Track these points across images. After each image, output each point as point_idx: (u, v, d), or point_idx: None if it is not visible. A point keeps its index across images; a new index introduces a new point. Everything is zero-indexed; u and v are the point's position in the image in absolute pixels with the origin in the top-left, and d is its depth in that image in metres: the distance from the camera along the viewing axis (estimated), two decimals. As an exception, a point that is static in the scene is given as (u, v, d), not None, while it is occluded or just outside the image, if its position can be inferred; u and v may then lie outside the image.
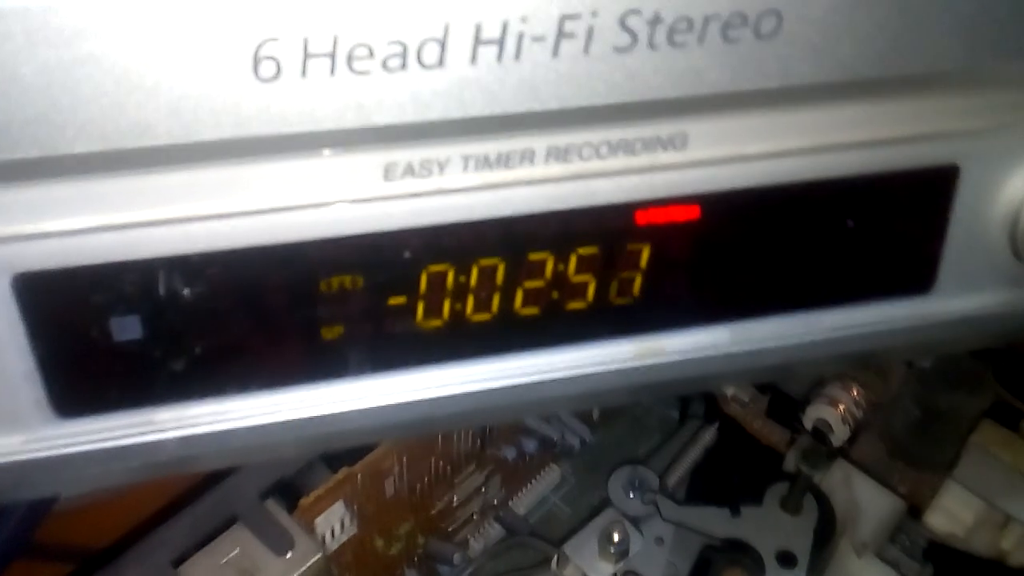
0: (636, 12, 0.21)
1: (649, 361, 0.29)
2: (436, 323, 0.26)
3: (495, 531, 0.51)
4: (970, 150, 0.28)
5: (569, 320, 0.28)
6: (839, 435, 0.48)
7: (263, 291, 0.24)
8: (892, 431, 0.51)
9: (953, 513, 0.48)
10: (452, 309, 0.26)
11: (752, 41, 0.22)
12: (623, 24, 0.21)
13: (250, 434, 0.25)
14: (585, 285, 0.27)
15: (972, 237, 0.29)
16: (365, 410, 0.26)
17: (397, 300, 0.26)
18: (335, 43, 0.20)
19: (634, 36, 0.22)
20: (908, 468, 0.51)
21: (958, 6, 0.24)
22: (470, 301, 0.26)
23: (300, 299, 0.25)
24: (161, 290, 0.23)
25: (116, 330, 0.23)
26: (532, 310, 0.27)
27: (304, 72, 0.20)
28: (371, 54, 0.20)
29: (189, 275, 0.23)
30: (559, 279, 0.27)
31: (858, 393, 0.48)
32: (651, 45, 0.22)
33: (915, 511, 0.49)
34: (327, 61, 0.20)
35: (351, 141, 0.22)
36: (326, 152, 0.22)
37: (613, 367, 0.28)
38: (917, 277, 0.30)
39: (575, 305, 0.27)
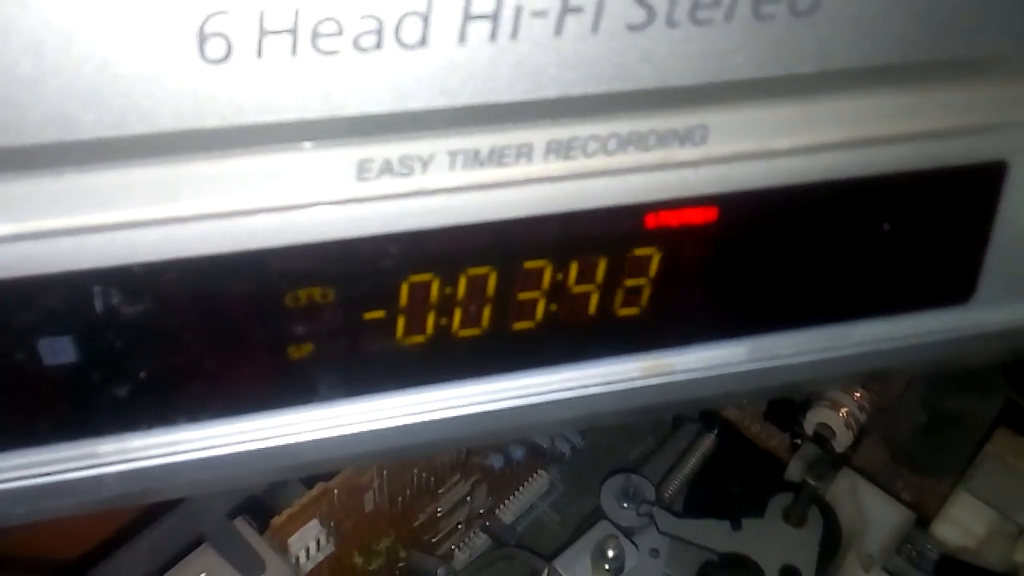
0: None
1: (657, 380, 0.27)
2: (418, 340, 0.25)
3: (481, 541, 0.51)
4: (1020, 145, 0.27)
5: (569, 336, 0.26)
6: (842, 440, 0.47)
7: (219, 306, 0.22)
8: (897, 436, 0.51)
9: (964, 524, 0.47)
10: (437, 324, 0.25)
11: (787, 18, 0.21)
12: None
13: (204, 467, 0.23)
14: (587, 296, 0.26)
15: (1018, 241, 0.28)
16: (338, 439, 0.25)
17: (374, 315, 0.24)
18: (296, 17, 0.18)
19: (651, 11, 0.20)
20: (913, 475, 0.50)
21: None
22: (457, 315, 0.25)
23: (262, 315, 0.23)
24: (98, 307, 0.21)
25: (46, 353, 0.21)
26: (527, 324, 0.26)
27: (260, 52, 0.18)
28: (340, 31, 0.18)
29: (130, 289, 0.21)
30: (558, 290, 0.25)
31: (861, 396, 0.48)
32: (670, 22, 0.20)
33: (922, 520, 0.48)
34: (287, 39, 0.18)
35: (318, 134, 0.20)
36: (291, 147, 0.20)
37: (617, 387, 0.27)
38: (956, 285, 0.29)
39: (576, 319, 0.26)
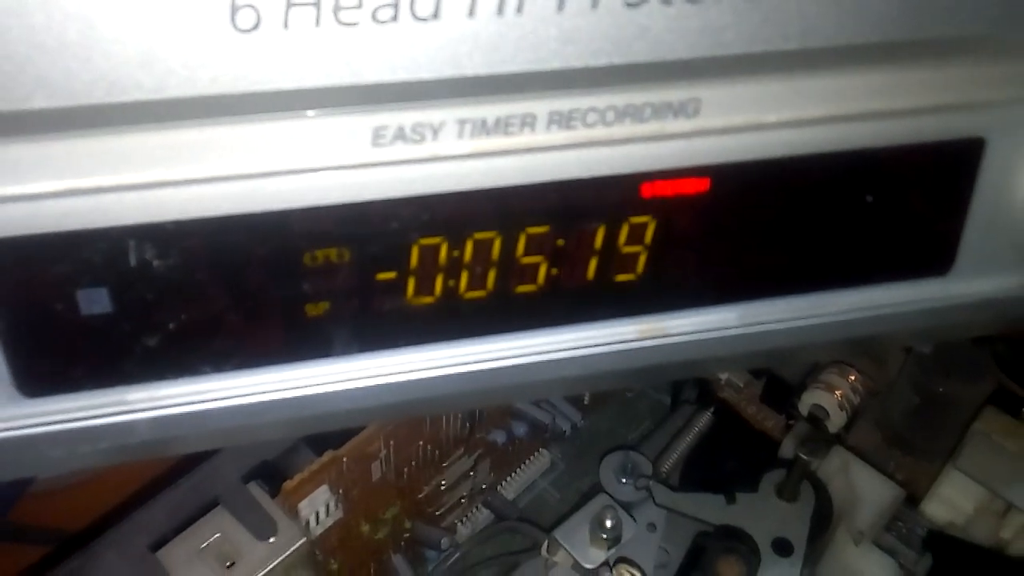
0: None
1: (652, 342, 0.28)
2: (427, 300, 0.26)
3: (483, 516, 0.52)
4: (998, 122, 0.27)
5: (569, 298, 0.27)
6: (835, 422, 0.48)
7: (242, 263, 0.23)
8: (890, 418, 0.51)
9: (953, 502, 0.48)
10: (445, 285, 0.26)
11: None
12: None
13: (227, 416, 0.25)
14: (586, 261, 0.26)
15: (996, 215, 0.29)
16: (351, 391, 0.26)
17: (386, 275, 0.25)
18: None
19: None
20: (905, 456, 0.51)
21: None
22: (464, 277, 0.26)
23: (282, 273, 0.24)
24: (132, 261, 0.22)
25: (83, 303, 0.22)
26: (530, 287, 0.26)
27: (286, 23, 0.19)
28: (360, 4, 0.19)
29: (162, 245, 0.22)
30: (559, 254, 0.26)
31: (855, 379, 0.48)
32: (665, 0, 0.21)
33: (912, 499, 0.49)
34: (311, 11, 0.19)
35: (337, 101, 0.21)
36: (310, 113, 0.21)
37: (614, 348, 0.28)
38: (935, 257, 0.30)
39: (575, 282, 0.27)
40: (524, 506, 0.53)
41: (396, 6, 0.19)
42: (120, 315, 0.22)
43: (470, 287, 0.26)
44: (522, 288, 0.26)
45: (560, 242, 0.26)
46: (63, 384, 0.23)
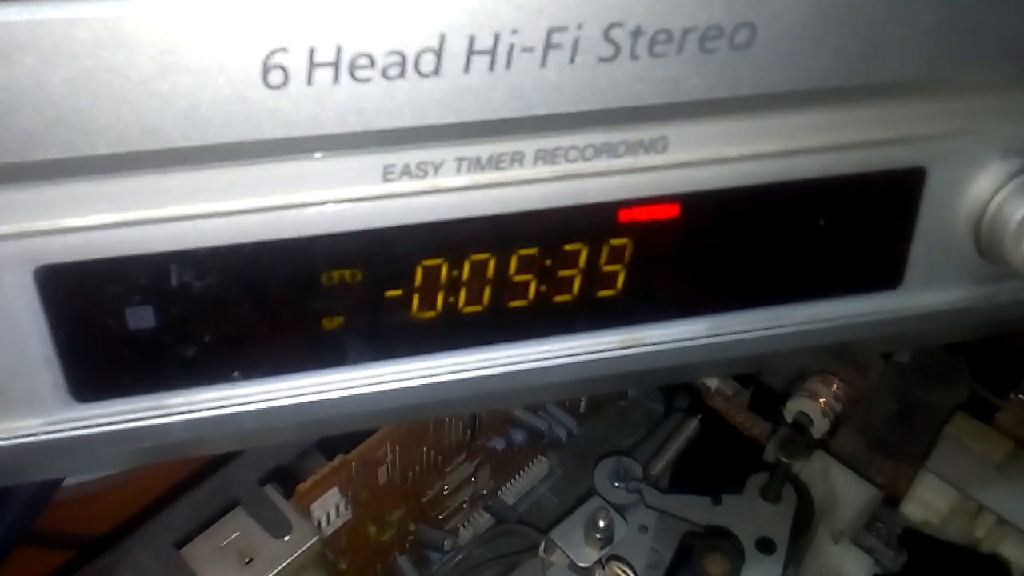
0: (619, 24, 0.22)
1: (632, 351, 0.30)
2: (430, 314, 0.27)
3: (484, 520, 0.53)
4: (936, 154, 0.29)
5: (556, 312, 0.29)
6: (819, 428, 0.49)
7: (268, 284, 0.25)
8: (871, 424, 0.52)
9: (929, 502, 0.49)
10: (445, 301, 0.27)
11: (728, 51, 0.24)
12: (607, 36, 0.23)
13: (254, 418, 0.27)
14: (571, 279, 0.28)
15: (938, 236, 0.30)
16: (363, 396, 0.28)
17: (393, 293, 0.27)
18: (339, 53, 0.21)
19: (617, 47, 0.23)
20: (886, 460, 0.52)
21: (922, 19, 0.25)
22: (462, 294, 0.27)
23: (302, 291, 0.26)
24: (173, 282, 0.24)
25: (131, 319, 0.24)
26: (521, 302, 0.28)
27: (309, 80, 0.21)
28: (372, 63, 0.21)
29: (199, 268, 0.24)
30: (546, 273, 0.28)
31: (838, 387, 0.50)
32: (633, 55, 0.23)
33: (893, 501, 0.50)
34: (331, 70, 0.21)
35: (352, 144, 0.23)
36: (329, 154, 0.24)
37: (598, 357, 0.29)
38: (886, 273, 0.31)
39: (561, 298, 0.28)
40: (523, 511, 0.54)
41: (403, 64, 0.21)
42: (162, 329, 0.24)
43: (468, 303, 0.28)
44: (514, 303, 0.28)
45: (547, 262, 0.28)
46: (111, 390, 0.25)
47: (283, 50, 0.21)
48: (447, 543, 0.50)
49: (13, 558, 0.47)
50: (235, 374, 0.26)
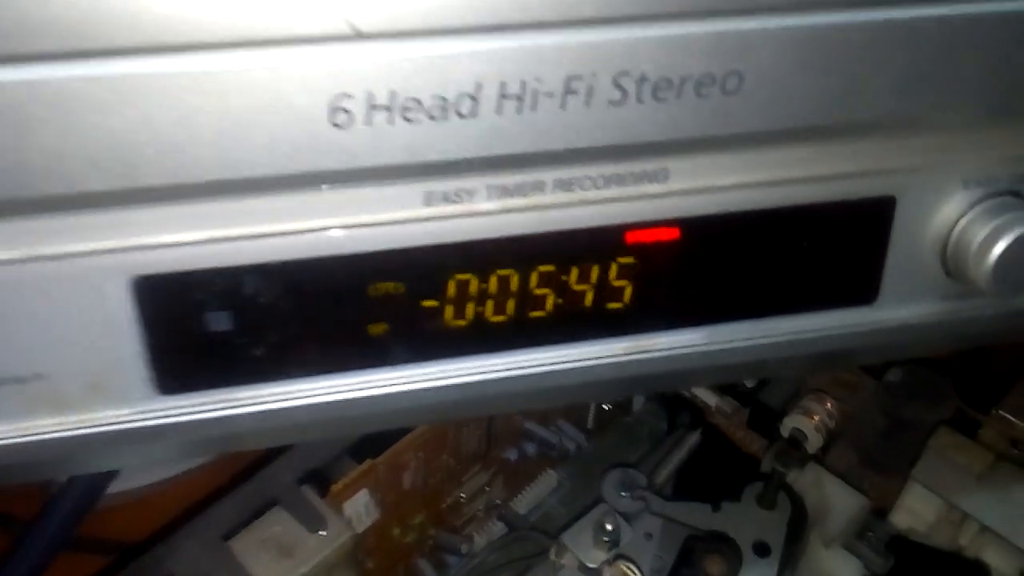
0: (626, 74, 0.25)
1: (638, 356, 0.32)
2: (461, 323, 0.29)
3: (498, 528, 0.54)
4: (905, 184, 0.31)
5: (571, 321, 0.31)
6: (813, 443, 0.52)
7: (324, 293, 0.28)
8: (862, 440, 0.55)
9: (916, 512, 0.51)
10: (475, 311, 0.29)
11: (719, 96, 0.26)
12: (616, 83, 0.25)
13: (308, 411, 0.29)
14: (584, 293, 0.30)
15: (909, 257, 0.32)
16: (402, 393, 0.30)
17: (430, 303, 0.29)
18: (392, 98, 0.24)
19: (625, 92, 0.25)
20: (877, 475, 0.54)
21: (891, 68, 0.27)
22: (489, 305, 0.29)
23: (352, 301, 0.28)
24: (247, 291, 0.27)
25: (210, 323, 0.27)
26: (540, 313, 0.30)
27: (368, 121, 0.24)
28: (420, 106, 0.24)
29: (267, 280, 0.27)
30: (562, 287, 0.30)
31: (831, 405, 0.53)
32: (639, 99, 0.26)
33: (883, 513, 0.52)
34: (386, 112, 0.24)
35: (400, 174, 0.26)
36: (380, 182, 0.26)
37: (608, 361, 0.31)
38: (863, 290, 0.33)
39: (576, 309, 0.30)
40: (534, 520, 0.55)
41: (445, 107, 0.24)
42: (236, 331, 0.27)
43: (494, 312, 0.29)
44: (535, 313, 0.30)
45: (564, 278, 0.29)
46: (190, 384, 0.28)
47: (347, 96, 0.24)
48: (464, 546, 0.52)
49: (56, 562, 0.49)
50: (294, 371, 0.29)
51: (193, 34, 0.22)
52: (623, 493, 0.51)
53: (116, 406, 0.28)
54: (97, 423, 0.28)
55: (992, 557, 0.51)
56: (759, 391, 0.58)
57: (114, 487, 0.53)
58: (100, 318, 0.26)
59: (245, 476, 0.47)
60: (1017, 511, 0.49)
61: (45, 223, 0.25)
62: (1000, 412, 0.54)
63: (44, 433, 0.28)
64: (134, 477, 0.57)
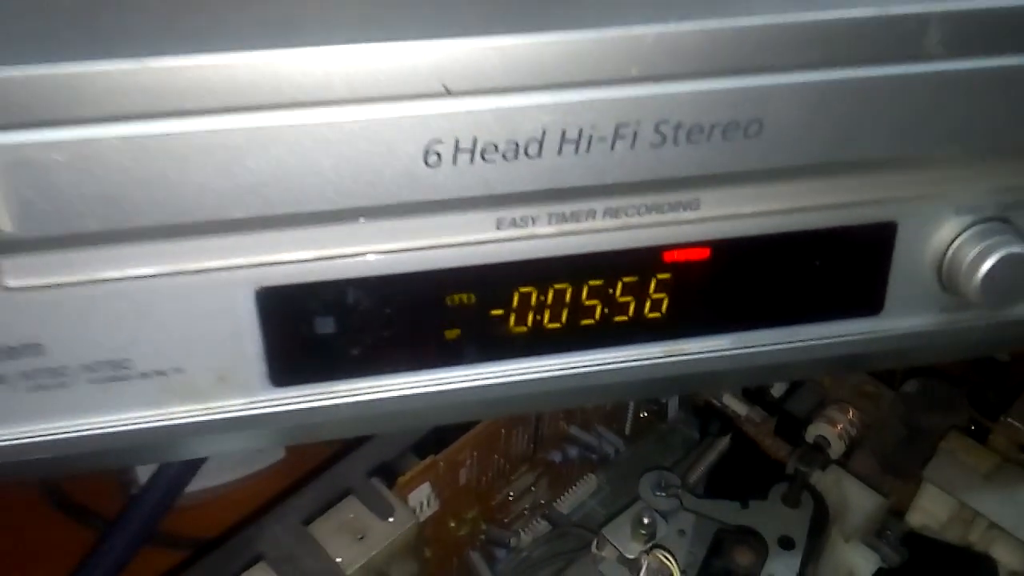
0: (665, 121, 0.28)
1: (673, 359, 0.35)
2: (523, 329, 0.33)
3: (542, 526, 0.59)
4: (905, 211, 0.34)
5: (616, 328, 0.34)
6: (836, 450, 0.56)
7: (410, 303, 0.31)
8: (882, 447, 0.58)
9: (930, 511, 0.54)
10: (534, 319, 0.32)
11: (743, 139, 0.29)
12: (657, 129, 0.28)
13: (394, 403, 0.33)
14: (627, 304, 0.33)
15: (909, 274, 0.35)
16: (472, 388, 0.33)
17: (497, 312, 0.32)
18: (474, 143, 0.27)
19: (664, 137, 0.29)
20: (896, 480, 0.57)
21: (891, 114, 0.30)
22: (547, 314, 0.32)
23: (433, 309, 0.31)
24: (347, 300, 0.30)
25: (319, 326, 0.30)
26: (590, 321, 0.33)
27: (454, 161, 0.28)
28: (496, 149, 0.28)
29: (364, 291, 0.30)
30: (609, 299, 0.33)
31: (853, 415, 0.56)
32: (675, 142, 0.29)
33: (900, 514, 0.55)
34: (469, 154, 0.28)
35: (477, 204, 0.29)
36: (460, 211, 0.30)
37: (647, 363, 0.35)
38: (869, 302, 0.36)
39: (620, 318, 0.33)
40: (576, 519, 0.59)
41: (516, 150, 0.28)
42: (338, 333, 0.31)
43: (551, 320, 0.33)
44: (585, 321, 0.33)
45: (610, 291, 0.32)
46: (299, 378, 0.32)
47: (439, 141, 0.27)
48: (512, 540, 0.56)
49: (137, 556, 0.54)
50: (383, 368, 0.32)
51: (323, 93, 0.26)
52: (659, 492, 0.55)
53: (238, 396, 0.32)
54: (222, 410, 0.32)
55: (999, 551, 0.54)
56: (786, 400, 0.61)
57: (192, 486, 0.58)
58: (229, 322, 0.30)
59: (313, 474, 0.51)
60: (1022, 509, 0.51)
61: (189, 244, 0.30)
62: (1008, 419, 0.57)
63: (178, 418, 0.32)
64: (211, 476, 0.62)
